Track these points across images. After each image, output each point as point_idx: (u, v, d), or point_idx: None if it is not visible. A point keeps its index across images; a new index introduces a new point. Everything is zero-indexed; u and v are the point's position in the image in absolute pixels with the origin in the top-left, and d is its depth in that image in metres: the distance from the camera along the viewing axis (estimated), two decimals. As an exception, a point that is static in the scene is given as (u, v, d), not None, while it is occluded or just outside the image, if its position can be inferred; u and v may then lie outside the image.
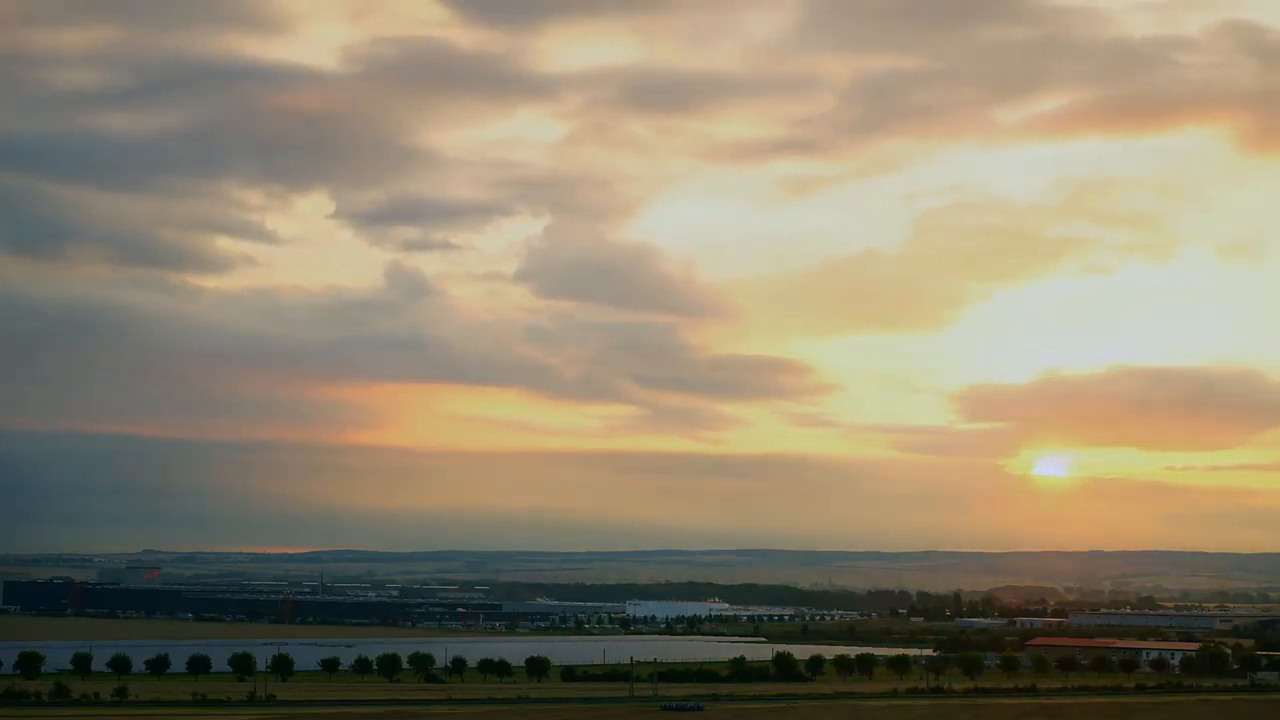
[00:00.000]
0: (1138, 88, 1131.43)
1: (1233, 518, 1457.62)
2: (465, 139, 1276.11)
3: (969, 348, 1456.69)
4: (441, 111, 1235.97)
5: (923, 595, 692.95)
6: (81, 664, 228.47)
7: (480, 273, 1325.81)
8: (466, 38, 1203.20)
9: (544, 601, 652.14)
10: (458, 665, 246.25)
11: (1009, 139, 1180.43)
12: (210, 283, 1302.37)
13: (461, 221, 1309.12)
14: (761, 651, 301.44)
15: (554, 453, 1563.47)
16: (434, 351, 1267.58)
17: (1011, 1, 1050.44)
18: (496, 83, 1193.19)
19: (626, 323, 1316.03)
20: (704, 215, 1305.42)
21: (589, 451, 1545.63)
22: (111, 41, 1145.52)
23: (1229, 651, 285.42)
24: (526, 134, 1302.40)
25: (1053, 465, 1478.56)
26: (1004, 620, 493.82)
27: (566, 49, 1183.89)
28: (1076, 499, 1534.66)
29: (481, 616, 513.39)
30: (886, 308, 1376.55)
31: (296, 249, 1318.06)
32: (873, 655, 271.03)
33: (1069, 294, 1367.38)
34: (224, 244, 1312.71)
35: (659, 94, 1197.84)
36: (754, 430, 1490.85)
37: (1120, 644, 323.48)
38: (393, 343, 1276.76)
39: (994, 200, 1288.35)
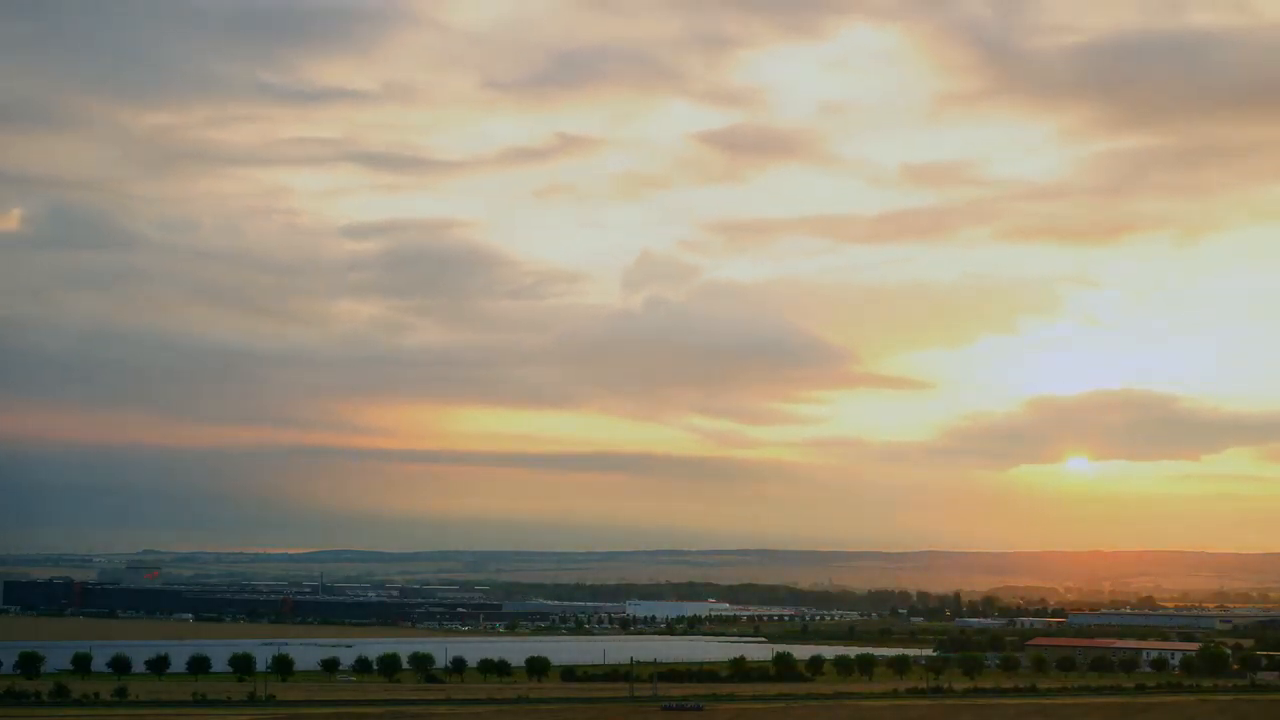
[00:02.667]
0: (1078, 216, 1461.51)
1: (1231, 518, 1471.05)
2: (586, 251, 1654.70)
3: (969, 377, 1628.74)
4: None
5: (923, 595, 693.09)
6: (81, 664, 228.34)
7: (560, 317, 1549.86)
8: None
9: (540, 601, 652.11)
10: (458, 665, 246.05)
11: (988, 242, 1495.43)
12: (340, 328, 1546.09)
13: (563, 290, 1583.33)
14: (761, 651, 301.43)
15: (557, 456, 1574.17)
16: (490, 380, 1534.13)
17: (972, 173, 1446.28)
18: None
19: (669, 358, 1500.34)
20: (742, 284, 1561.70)
21: (593, 455, 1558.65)
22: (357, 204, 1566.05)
23: (1229, 651, 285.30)
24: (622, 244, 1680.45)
25: (1052, 473, 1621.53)
26: (1004, 620, 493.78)
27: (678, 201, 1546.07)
28: (1076, 501, 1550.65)
29: (481, 616, 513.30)
30: (891, 346, 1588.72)
31: (412, 314, 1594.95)
32: (873, 655, 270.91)
33: (1055, 336, 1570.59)
34: (358, 306, 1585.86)
35: (743, 227, 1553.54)
36: (769, 446, 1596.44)
37: (1120, 644, 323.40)
38: (465, 375, 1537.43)
39: (982, 271, 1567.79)
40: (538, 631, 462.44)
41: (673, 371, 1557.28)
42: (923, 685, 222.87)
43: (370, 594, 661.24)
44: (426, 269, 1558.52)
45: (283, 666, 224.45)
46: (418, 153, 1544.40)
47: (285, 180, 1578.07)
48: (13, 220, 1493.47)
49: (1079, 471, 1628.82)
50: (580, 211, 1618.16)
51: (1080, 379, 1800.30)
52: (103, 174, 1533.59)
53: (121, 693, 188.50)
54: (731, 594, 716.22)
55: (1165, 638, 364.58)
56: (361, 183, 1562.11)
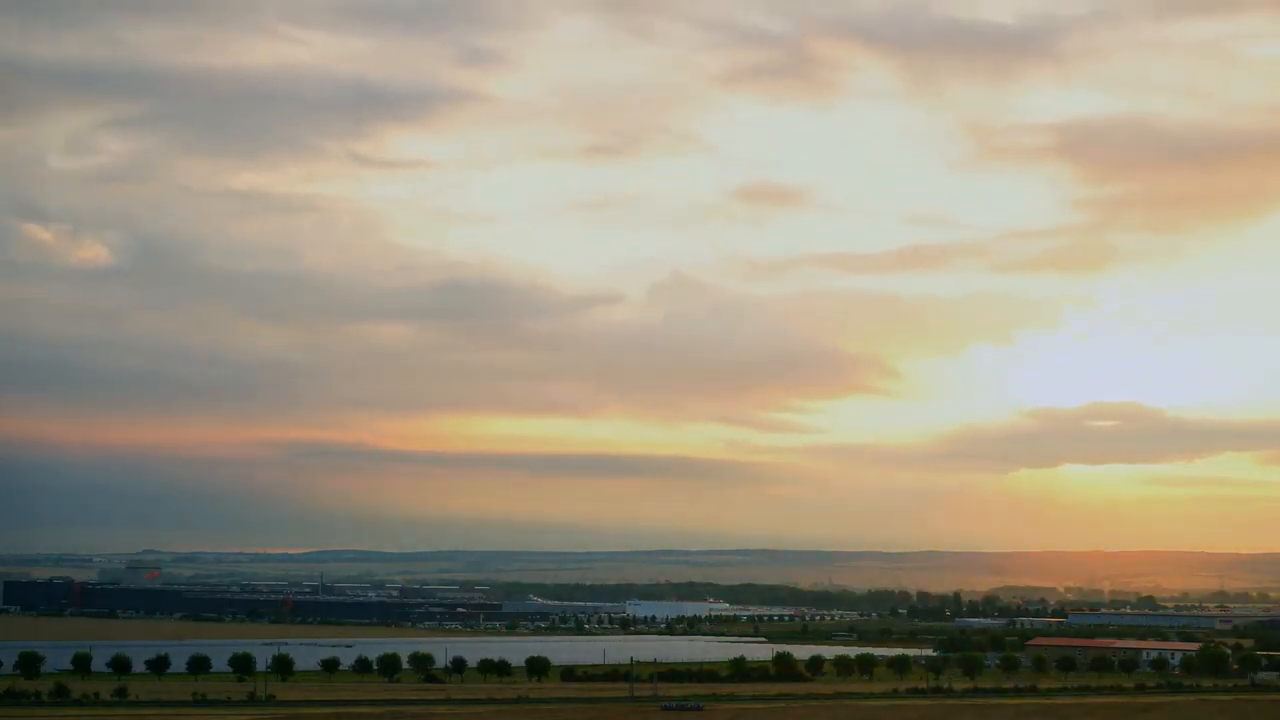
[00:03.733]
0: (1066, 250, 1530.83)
1: (1231, 518, 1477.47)
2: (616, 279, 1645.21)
3: (970, 388, 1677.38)
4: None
5: (923, 595, 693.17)
6: (81, 664, 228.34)
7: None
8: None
9: (538, 601, 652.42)
10: (458, 665, 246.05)
11: (986, 272, 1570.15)
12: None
13: (588, 311, 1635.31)
14: (761, 651, 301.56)
15: (560, 457, 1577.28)
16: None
17: (968, 220, 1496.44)
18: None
19: (679, 367, 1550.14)
20: (752, 300, 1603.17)
21: (595, 456, 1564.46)
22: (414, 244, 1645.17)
23: (1229, 651, 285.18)
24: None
25: (1052, 476, 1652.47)
26: (1004, 620, 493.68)
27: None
28: (1076, 502, 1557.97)
29: (481, 616, 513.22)
30: (894, 357, 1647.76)
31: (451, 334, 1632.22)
32: (873, 655, 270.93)
33: (1053, 347, 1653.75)
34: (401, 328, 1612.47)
35: (760, 262, 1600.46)
36: (773, 451, 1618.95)
37: (1120, 644, 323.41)
38: (485, 387, 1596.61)
39: (982, 291, 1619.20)
40: (538, 631, 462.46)
41: (680, 379, 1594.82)
42: (923, 685, 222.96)
43: (370, 594, 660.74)
44: (470, 296, 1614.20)
45: (283, 666, 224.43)
46: (475, 204, 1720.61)
47: (354, 223, 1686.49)
48: (102, 255, 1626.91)
49: (1078, 473, 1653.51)
50: (616, 247, 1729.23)
51: (1077, 389, 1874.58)
52: (193, 219, 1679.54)
53: (121, 693, 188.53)
54: (732, 594, 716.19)
55: (1165, 638, 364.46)
56: (422, 227, 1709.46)
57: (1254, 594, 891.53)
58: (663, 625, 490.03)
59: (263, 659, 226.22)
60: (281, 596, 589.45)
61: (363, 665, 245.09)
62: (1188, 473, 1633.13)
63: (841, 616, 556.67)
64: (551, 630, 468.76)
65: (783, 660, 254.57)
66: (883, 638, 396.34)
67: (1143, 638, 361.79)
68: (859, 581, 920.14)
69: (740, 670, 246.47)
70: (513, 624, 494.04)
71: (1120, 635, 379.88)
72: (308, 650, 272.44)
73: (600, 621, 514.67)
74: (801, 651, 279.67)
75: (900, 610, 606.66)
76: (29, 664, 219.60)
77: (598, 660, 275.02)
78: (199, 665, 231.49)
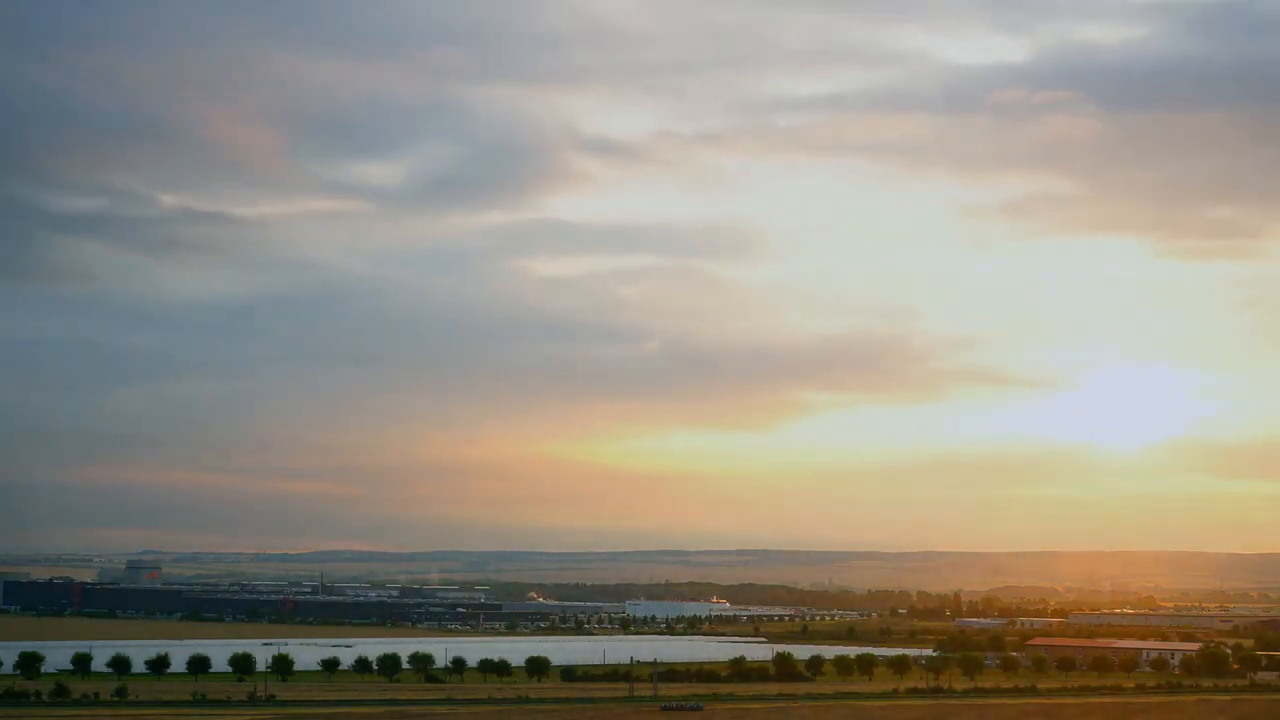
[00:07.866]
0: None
1: (1230, 518, 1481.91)
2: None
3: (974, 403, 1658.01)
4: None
5: (923, 595, 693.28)
6: (81, 664, 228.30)
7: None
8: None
9: (539, 600, 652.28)
10: (458, 665, 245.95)
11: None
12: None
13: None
14: (761, 651, 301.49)
15: (563, 459, 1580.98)
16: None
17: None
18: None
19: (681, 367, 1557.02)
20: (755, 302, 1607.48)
21: (598, 459, 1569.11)
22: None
23: (1229, 651, 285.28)
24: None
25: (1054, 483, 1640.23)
26: (1004, 620, 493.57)
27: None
28: (1076, 502, 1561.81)
29: (481, 616, 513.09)
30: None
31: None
32: (873, 655, 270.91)
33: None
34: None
35: None
36: (780, 455, 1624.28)
37: (1120, 644, 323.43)
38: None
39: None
40: (538, 631, 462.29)
41: (683, 380, 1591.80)
42: (923, 685, 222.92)
43: (370, 594, 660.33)
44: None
45: (283, 666, 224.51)
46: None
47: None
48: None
49: (1079, 478, 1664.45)
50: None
51: (1072, 423, 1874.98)
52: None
53: (121, 693, 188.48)
54: (732, 594, 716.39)
55: (1165, 638, 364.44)
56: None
57: (1254, 594, 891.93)
58: (663, 625, 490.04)
59: (263, 659, 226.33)
60: (281, 596, 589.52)
61: (363, 665, 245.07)
62: (1190, 475, 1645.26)
63: (841, 616, 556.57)
64: (551, 630, 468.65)
65: (783, 660, 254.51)
66: (882, 638, 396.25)
67: (1143, 638, 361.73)
68: (859, 581, 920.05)
69: (740, 670, 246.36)
70: (513, 624, 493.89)
71: (1120, 635, 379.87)
72: (308, 650, 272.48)
73: (600, 621, 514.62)
74: (801, 651, 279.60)
75: (900, 610, 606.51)
76: (29, 664, 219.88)
77: (598, 660, 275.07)
78: (199, 665, 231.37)
